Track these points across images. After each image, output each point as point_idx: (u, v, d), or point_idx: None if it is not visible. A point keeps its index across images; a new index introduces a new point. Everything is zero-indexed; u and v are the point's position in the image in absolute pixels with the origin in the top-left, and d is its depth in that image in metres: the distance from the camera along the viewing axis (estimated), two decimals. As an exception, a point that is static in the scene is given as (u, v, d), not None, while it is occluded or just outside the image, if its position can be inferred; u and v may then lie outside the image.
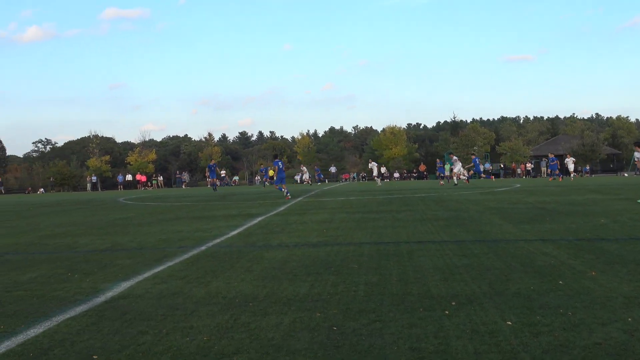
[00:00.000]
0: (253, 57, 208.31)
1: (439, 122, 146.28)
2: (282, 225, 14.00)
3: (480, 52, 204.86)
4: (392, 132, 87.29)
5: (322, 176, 75.55)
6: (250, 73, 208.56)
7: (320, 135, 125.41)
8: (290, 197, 26.48)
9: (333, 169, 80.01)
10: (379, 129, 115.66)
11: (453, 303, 5.84)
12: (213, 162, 45.72)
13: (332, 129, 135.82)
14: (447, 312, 5.53)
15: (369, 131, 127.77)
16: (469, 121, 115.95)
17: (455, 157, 42.72)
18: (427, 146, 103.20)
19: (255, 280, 7.31)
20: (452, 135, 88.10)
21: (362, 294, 6.36)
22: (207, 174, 45.55)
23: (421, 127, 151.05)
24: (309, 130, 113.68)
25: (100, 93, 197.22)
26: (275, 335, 4.97)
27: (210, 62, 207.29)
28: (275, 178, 28.36)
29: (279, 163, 27.66)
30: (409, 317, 5.41)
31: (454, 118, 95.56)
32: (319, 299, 6.23)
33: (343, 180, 78.09)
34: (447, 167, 76.08)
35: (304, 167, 63.05)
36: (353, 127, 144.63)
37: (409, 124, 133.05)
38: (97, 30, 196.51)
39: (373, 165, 54.50)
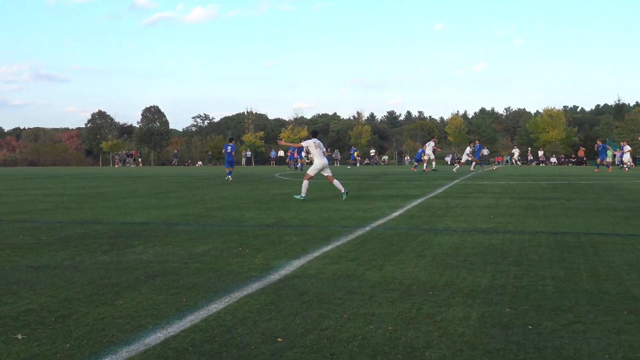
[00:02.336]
0: (403, 36, 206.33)
1: (598, 105, 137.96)
2: (444, 208, 13.54)
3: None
4: (549, 115, 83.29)
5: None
6: (400, 53, 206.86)
7: (470, 117, 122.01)
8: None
9: (485, 152, 77.59)
10: (532, 111, 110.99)
11: (662, 307, 5.20)
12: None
13: (482, 110, 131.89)
14: (657, 317, 4.92)
15: (521, 113, 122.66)
16: (632, 104, 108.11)
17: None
18: (587, 130, 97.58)
19: (430, 267, 6.96)
20: (616, 120, 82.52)
21: (552, 290, 5.84)
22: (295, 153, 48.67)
23: (578, 109, 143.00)
24: (458, 111, 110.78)
25: (255, 71, 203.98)
26: (466, 330, 4.60)
27: (360, 42, 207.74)
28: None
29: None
30: (613, 320, 4.85)
31: (619, 101, 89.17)
32: (504, 292, 5.78)
33: (496, 163, 75.65)
34: (609, 153, 71.79)
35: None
36: (505, 109, 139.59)
37: (565, 107, 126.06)
38: (256, 11, 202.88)
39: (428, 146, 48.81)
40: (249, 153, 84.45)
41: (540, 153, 77.38)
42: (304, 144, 16.21)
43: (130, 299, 5.59)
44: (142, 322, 4.84)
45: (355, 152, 70.31)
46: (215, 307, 5.31)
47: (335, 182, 15.83)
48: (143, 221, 11.63)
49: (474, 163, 41.84)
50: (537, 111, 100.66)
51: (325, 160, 15.92)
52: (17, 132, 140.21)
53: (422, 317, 4.96)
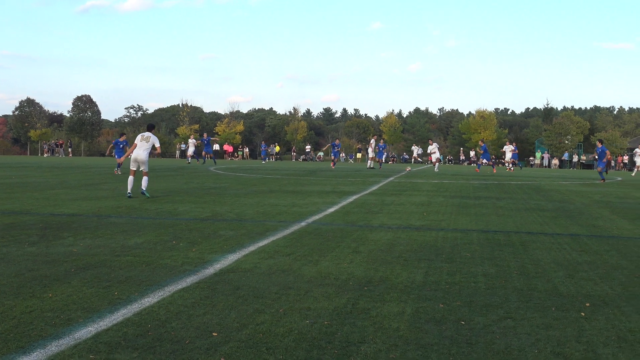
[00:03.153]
0: (341, 34, 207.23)
1: (528, 108, 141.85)
2: (379, 205, 13.67)
3: (575, 37, 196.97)
4: (481, 116, 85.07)
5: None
6: (338, 50, 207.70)
7: (404, 115, 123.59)
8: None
9: (419, 151, 78.70)
10: (465, 112, 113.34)
11: (587, 304, 5.38)
12: (206, 135, 47.69)
13: (417, 110, 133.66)
14: (582, 313, 5.09)
15: (454, 114, 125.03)
16: (559, 109, 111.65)
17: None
18: (517, 132, 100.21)
19: (365, 263, 7.02)
20: (545, 123, 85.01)
21: (484, 287, 5.97)
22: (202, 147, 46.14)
23: (509, 112, 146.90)
24: (393, 110, 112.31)
25: (191, 63, 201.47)
26: (400, 325, 4.66)
27: (298, 37, 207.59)
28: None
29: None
30: (541, 316, 4.99)
31: (547, 105, 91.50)
32: (437, 288, 5.88)
33: (429, 162, 76.86)
34: (538, 155, 73.95)
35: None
36: (439, 109, 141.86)
37: (496, 109, 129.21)
38: (193, 2, 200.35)
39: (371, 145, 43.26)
40: (183, 146, 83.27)
41: (472, 153, 79.05)
42: (137, 141, 14.94)
43: (60, 292, 5.43)
44: (72, 316, 4.71)
45: (267, 148, 70.00)
46: (149, 300, 5.21)
47: (144, 180, 14.67)
48: (73, 212, 11.32)
49: (370, 162, 41.63)
50: (470, 112, 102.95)
51: (140, 155, 14.62)
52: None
53: (357, 312, 4.99)
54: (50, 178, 22.54)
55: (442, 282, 6.11)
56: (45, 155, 79.31)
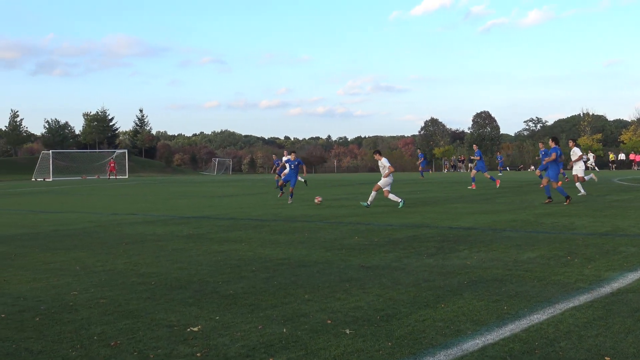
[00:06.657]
0: None
1: None
2: None
3: None
4: None
5: None
6: None
7: None
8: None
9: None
10: None
11: None
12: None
13: None
14: None
15: None
16: None
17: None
18: None
19: None
20: None
21: None
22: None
23: None
24: None
25: (594, 70, 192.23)
26: None
27: None
28: None
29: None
30: None
31: None
32: None
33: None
34: None
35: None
36: None
37: None
38: (596, 8, 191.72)
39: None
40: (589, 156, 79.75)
41: None
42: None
43: (452, 303, 5.65)
44: (461, 328, 4.86)
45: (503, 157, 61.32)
46: (538, 317, 5.10)
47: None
48: (469, 226, 11.68)
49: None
50: None
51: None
52: (358, 141, 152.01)
53: None
54: (450, 193, 23.63)
55: None
56: (445, 171, 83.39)
